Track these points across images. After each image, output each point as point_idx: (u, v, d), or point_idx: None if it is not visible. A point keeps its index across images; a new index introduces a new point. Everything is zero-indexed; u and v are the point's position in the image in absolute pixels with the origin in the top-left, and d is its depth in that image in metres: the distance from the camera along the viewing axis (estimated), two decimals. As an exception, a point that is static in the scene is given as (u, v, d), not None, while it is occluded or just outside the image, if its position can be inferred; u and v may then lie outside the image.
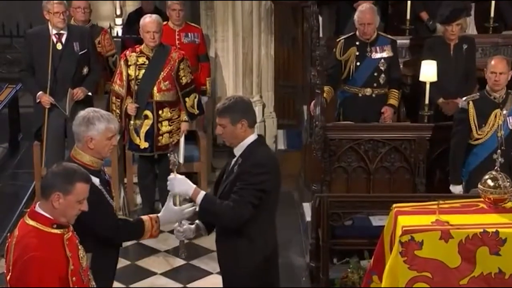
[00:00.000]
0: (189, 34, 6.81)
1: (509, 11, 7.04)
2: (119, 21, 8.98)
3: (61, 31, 6.11)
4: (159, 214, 3.93)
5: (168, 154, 3.95)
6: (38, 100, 6.15)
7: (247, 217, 3.89)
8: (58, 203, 3.22)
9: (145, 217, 3.88)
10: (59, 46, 6.11)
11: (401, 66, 6.39)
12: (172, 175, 3.95)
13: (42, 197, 3.27)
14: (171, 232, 6.17)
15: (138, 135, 6.15)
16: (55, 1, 6.00)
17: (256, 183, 3.87)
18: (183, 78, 6.14)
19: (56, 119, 6.16)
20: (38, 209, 3.26)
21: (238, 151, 3.99)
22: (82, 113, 3.79)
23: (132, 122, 6.12)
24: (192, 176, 6.93)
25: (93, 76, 6.29)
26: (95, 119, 3.73)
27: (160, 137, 6.16)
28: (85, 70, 6.22)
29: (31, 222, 3.25)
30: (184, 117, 6.21)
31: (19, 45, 8.53)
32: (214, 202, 3.92)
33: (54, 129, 6.16)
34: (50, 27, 6.09)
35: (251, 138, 3.98)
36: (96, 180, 3.65)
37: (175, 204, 4.02)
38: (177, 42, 6.71)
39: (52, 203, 3.22)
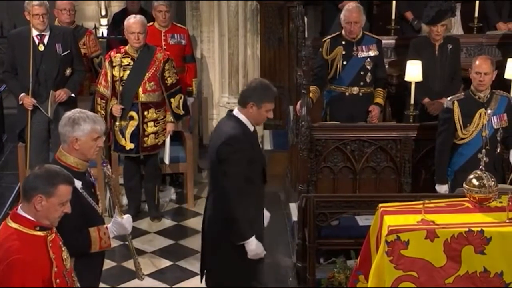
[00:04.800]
0: (175, 35, 6.79)
1: (493, 11, 7.08)
2: (104, 21, 8.95)
3: (43, 32, 6.06)
4: (108, 225, 3.88)
5: (101, 167, 3.89)
6: (20, 102, 6.10)
7: None
8: (40, 205, 3.19)
9: (92, 229, 3.80)
10: (41, 47, 6.06)
11: (387, 66, 6.40)
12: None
13: (24, 199, 3.24)
14: (157, 233, 6.20)
15: (123, 136, 6.13)
16: (34, 3, 5.95)
17: None
18: (168, 79, 6.12)
19: (39, 121, 6.12)
20: (20, 211, 3.23)
21: None
22: (68, 113, 3.77)
23: (117, 123, 6.09)
24: (178, 176, 6.94)
25: (76, 77, 6.25)
26: (81, 119, 3.71)
27: (146, 138, 6.14)
28: (68, 71, 6.18)
29: (13, 225, 3.22)
30: (169, 118, 6.19)
31: (2, 46, 8.47)
32: None
33: (37, 131, 6.12)
34: (32, 28, 6.05)
35: None
36: (78, 183, 3.61)
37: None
38: (163, 43, 6.68)
39: (35, 206, 3.19)
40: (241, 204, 4.23)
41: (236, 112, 4.36)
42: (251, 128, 4.35)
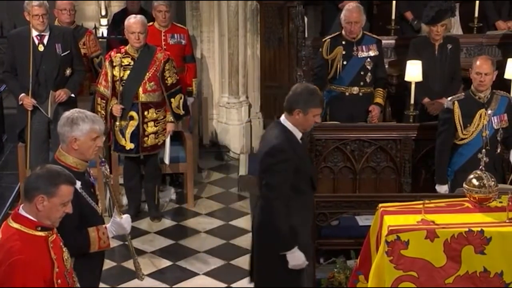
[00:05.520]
0: (175, 35, 6.79)
1: (492, 10, 7.09)
2: (104, 21, 8.95)
3: (43, 33, 6.06)
4: (107, 225, 3.87)
5: (99, 166, 3.89)
6: (20, 102, 6.10)
7: None
8: (42, 205, 3.19)
9: (91, 229, 3.79)
10: (41, 48, 6.06)
11: (387, 66, 6.42)
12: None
13: (25, 199, 3.24)
14: (157, 233, 6.20)
15: (123, 136, 6.13)
16: (34, 4, 5.95)
17: None
18: (168, 79, 6.12)
19: (39, 121, 6.12)
20: (21, 211, 3.23)
21: None
22: (66, 113, 3.77)
23: (117, 123, 6.09)
24: (178, 176, 6.94)
25: (76, 78, 6.24)
26: (80, 119, 3.71)
27: (146, 138, 6.14)
28: (68, 71, 6.18)
29: (15, 225, 3.22)
30: (169, 118, 6.20)
31: (2, 46, 8.47)
32: None
33: (37, 131, 6.12)
34: (32, 28, 6.04)
35: None
36: (77, 183, 3.60)
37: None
38: (163, 43, 6.69)
39: (36, 206, 3.19)
40: (284, 215, 4.14)
41: (283, 119, 4.24)
42: (298, 135, 4.22)
